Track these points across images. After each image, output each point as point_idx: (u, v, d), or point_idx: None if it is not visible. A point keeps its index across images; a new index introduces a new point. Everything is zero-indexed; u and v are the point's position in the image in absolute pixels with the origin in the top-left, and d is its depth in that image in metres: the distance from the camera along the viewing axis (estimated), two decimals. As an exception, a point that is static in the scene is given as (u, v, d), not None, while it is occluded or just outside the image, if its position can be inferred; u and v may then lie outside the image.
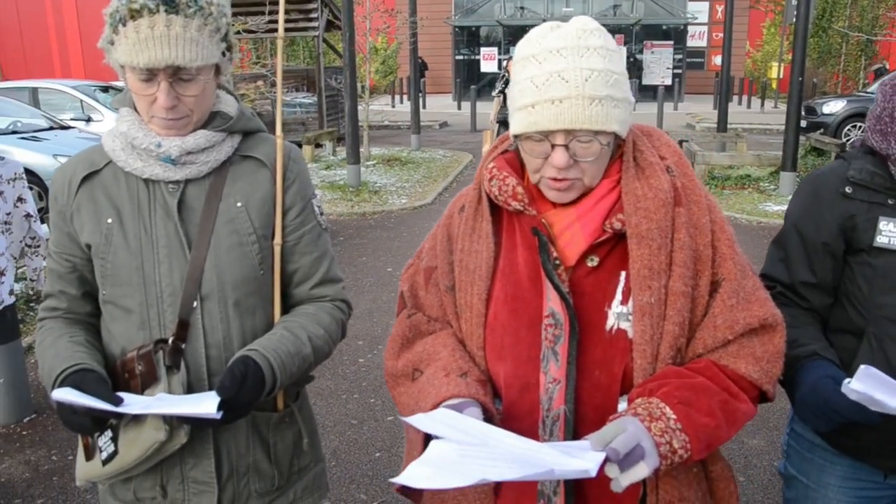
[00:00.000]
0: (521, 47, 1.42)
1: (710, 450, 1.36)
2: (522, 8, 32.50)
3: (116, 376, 1.59)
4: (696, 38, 33.04)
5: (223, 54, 1.60)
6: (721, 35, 20.36)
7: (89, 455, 1.62)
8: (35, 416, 4.42)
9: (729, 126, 16.33)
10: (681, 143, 13.47)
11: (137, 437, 1.54)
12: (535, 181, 1.44)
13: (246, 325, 1.65)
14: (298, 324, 1.67)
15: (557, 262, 1.42)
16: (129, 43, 1.47)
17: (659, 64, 30.49)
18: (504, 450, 1.20)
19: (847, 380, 1.47)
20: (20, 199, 4.62)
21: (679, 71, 30.59)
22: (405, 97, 29.39)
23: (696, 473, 1.47)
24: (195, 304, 1.59)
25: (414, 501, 1.65)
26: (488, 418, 1.38)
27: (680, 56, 31.01)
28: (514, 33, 32.17)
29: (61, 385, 1.49)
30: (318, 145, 15.90)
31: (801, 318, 1.80)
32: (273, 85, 17.80)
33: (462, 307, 1.53)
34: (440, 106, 28.34)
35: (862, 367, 1.45)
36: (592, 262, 1.42)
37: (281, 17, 1.84)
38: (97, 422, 1.51)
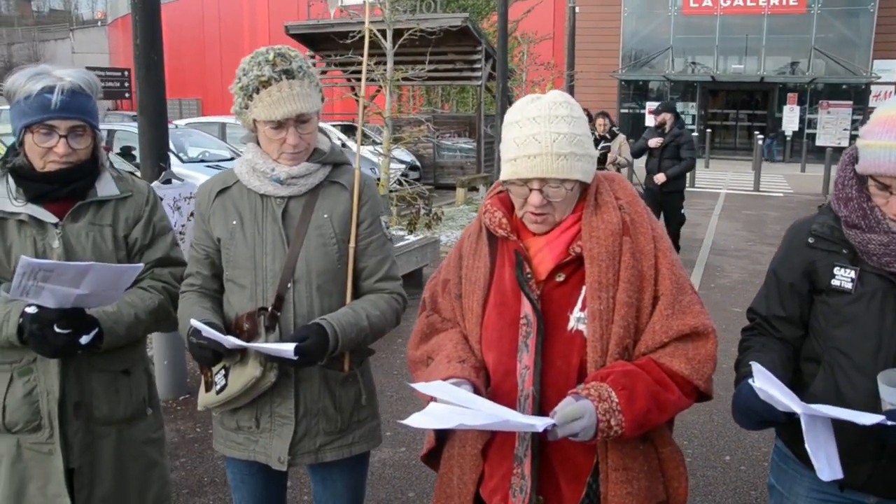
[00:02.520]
0: (508, 114, 1.89)
1: (641, 429, 1.76)
2: (694, 63, 32.29)
3: (230, 331, 2.22)
4: (882, 98, 31.45)
5: (321, 102, 2.23)
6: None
7: (208, 388, 2.25)
8: (188, 396, 5.29)
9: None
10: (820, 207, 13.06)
11: (241, 373, 2.16)
12: (519, 216, 1.92)
13: (325, 304, 2.23)
14: (360, 305, 2.24)
15: (529, 276, 1.88)
16: (264, 105, 2.12)
17: (835, 125, 29.25)
18: (479, 408, 1.69)
19: (751, 379, 1.83)
20: (192, 214, 5.57)
21: (857, 133, 29.13)
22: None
23: (642, 450, 1.86)
24: (289, 285, 2.20)
25: (432, 467, 2.16)
26: (477, 394, 1.83)
27: (860, 116, 29.59)
28: (682, 89, 32.00)
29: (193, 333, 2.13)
30: (472, 188, 16.72)
31: (768, 345, 2.14)
32: (436, 129, 18.95)
33: (466, 310, 2.00)
34: (600, 157, 28.61)
35: (752, 363, 1.81)
36: (560, 277, 1.87)
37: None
38: (215, 356, 2.13)
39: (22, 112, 2.14)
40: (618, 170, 10.03)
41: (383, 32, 10.96)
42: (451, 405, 1.71)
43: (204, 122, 15.58)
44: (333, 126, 18.31)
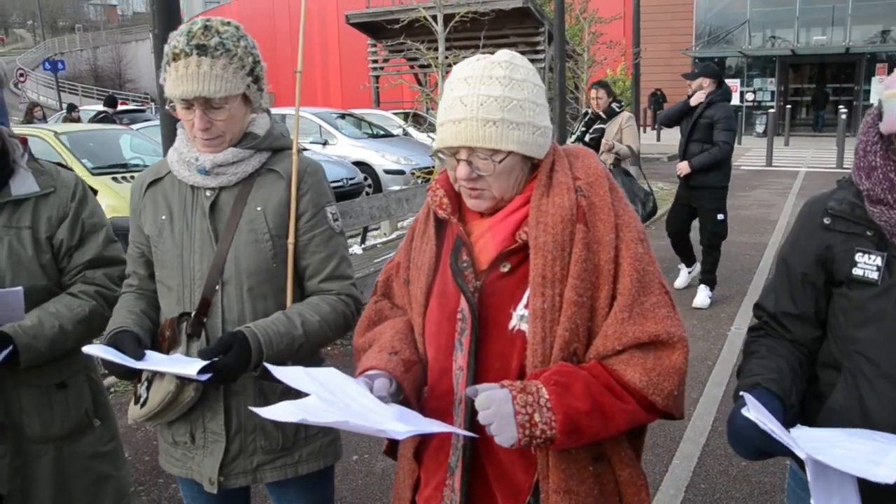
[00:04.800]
0: (449, 77, 1.64)
1: (579, 437, 1.47)
2: (773, 37, 30.86)
3: (155, 339, 2.00)
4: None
5: (248, 86, 1.96)
6: None
7: (136, 401, 2.03)
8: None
9: None
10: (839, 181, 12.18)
11: (159, 388, 1.94)
12: (458, 190, 1.65)
13: (258, 308, 1.98)
14: (297, 311, 1.97)
15: (466, 264, 1.62)
16: (171, 79, 1.88)
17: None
18: (347, 405, 1.44)
19: (745, 408, 1.50)
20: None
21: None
22: (647, 128, 29.01)
23: (593, 472, 1.57)
24: (217, 287, 1.96)
25: (392, 458, 1.90)
26: (399, 389, 1.61)
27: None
28: (761, 65, 30.65)
29: (109, 339, 1.92)
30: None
31: (775, 350, 1.78)
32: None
33: (412, 298, 1.76)
34: (675, 137, 27.62)
35: (742, 394, 1.48)
36: (504, 267, 1.59)
37: (300, 54, 2.18)
38: (129, 372, 1.90)
39: None
40: (617, 162, 7.32)
41: (436, 18, 10.70)
42: (327, 398, 1.47)
43: (264, 115, 15.64)
44: (395, 114, 18.19)
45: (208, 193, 2.00)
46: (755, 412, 1.46)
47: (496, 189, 1.59)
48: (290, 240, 2.00)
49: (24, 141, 2.19)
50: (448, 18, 10.57)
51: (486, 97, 1.52)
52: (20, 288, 1.93)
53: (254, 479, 2.05)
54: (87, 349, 1.86)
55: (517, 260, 1.59)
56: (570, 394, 1.45)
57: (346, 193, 11.12)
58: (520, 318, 1.56)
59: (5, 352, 1.96)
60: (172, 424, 2.06)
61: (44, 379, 2.15)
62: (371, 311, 1.88)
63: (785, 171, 17.91)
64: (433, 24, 10.57)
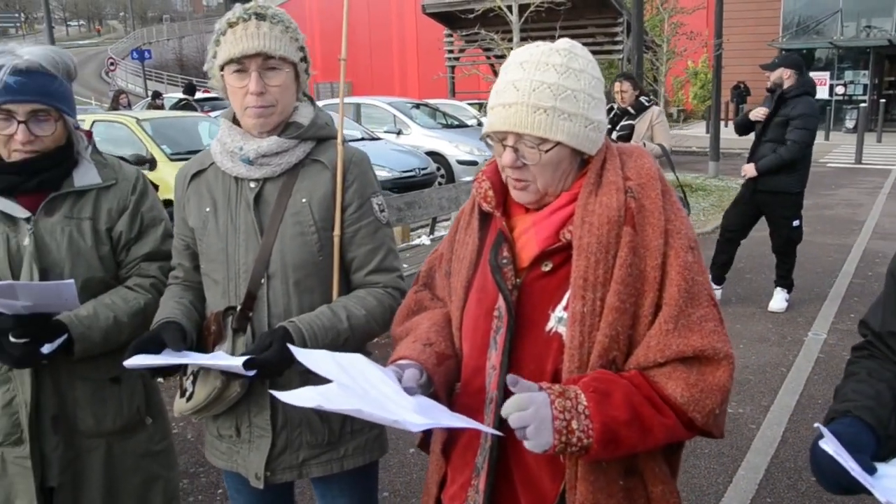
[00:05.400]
0: (506, 61, 1.58)
1: (616, 448, 1.39)
2: (868, 27, 29.47)
3: (202, 332, 2.00)
4: None
5: (300, 61, 1.95)
6: None
7: (182, 394, 2.03)
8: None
9: None
10: None
11: (205, 383, 1.92)
12: (505, 181, 1.59)
13: (304, 302, 1.95)
14: (342, 304, 1.94)
15: (506, 261, 1.55)
16: (227, 44, 1.88)
17: None
18: (365, 392, 1.41)
19: (823, 440, 1.37)
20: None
21: None
22: (729, 122, 28.17)
23: (623, 486, 1.49)
24: (263, 280, 1.94)
25: (425, 451, 1.85)
26: (430, 381, 1.57)
27: None
28: (853, 56, 29.34)
29: (154, 329, 1.92)
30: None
31: (877, 373, 1.62)
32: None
33: (451, 291, 1.71)
34: (758, 132, 26.72)
35: (819, 427, 1.36)
36: (546, 266, 1.53)
37: (344, 42, 2.13)
38: (168, 369, 1.89)
39: None
40: None
41: (511, 7, 10.59)
42: (347, 385, 1.42)
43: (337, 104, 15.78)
44: (469, 104, 18.15)
45: (252, 185, 1.97)
46: (832, 446, 1.34)
47: (541, 181, 1.53)
48: (336, 232, 1.96)
49: (88, 134, 2.21)
50: (523, 8, 10.43)
51: (540, 83, 1.46)
52: (72, 280, 1.93)
53: (299, 474, 2.03)
54: (128, 364, 1.82)
55: (560, 259, 1.53)
56: (610, 402, 1.38)
57: (418, 183, 11.15)
58: (558, 320, 1.50)
59: (60, 339, 1.97)
60: (218, 418, 2.06)
61: (98, 372, 2.15)
62: (411, 300, 1.85)
63: (875, 170, 17.10)
64: (508, 13, 10.46)
